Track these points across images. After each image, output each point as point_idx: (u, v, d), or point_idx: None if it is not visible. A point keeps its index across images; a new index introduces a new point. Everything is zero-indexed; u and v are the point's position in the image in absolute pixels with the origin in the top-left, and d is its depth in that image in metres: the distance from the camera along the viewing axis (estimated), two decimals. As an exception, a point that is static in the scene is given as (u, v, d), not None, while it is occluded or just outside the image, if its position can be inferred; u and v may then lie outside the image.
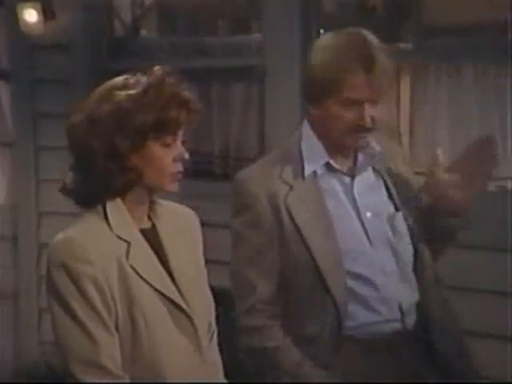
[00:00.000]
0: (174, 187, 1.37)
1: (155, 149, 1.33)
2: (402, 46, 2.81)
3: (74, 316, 1.28)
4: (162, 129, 1.32)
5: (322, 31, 2.81)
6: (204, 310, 1.43)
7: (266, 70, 2.84)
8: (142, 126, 1.31)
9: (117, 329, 1.30)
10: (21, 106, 3.34)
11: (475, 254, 2.42)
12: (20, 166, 3.38)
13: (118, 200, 1.35)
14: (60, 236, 1.32)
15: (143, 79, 1.34)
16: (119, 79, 1.36)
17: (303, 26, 2.75)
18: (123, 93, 1.32)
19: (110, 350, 1.29)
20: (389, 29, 2.91)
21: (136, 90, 1.32)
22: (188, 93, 1.34)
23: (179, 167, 1.36)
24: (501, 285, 2.36)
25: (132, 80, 1.34)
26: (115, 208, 1.35)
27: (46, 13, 3.12)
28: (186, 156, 1.36)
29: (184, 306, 1.36)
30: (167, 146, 1.34)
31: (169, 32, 3.44)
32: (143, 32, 3.47)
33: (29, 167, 3.33)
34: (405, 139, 2.81)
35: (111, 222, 1.34)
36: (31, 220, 3.33)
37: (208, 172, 3.13)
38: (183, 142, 1.37)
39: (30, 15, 3.12)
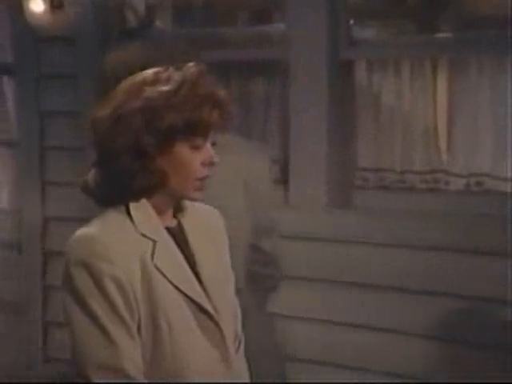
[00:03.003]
0: (198, 195, 1.38)
1: (183, 151, 1.34)
2: (439, 37, 2.82)
3: (93, 317, 1.28)
4: (193, 130, 1.33)
5: (351, 21, 2.84)
6: (231, 317, 1.44)
7: (290, 64, 2.86)
8: (171, 125, 1.32)
9: (138, 332, 1.31)
10: (26, 102, 3.39)
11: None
12: (25, 167, 3.42)
13: (143, 199, 1.36)
14: (79, 232, 1.34)
15: (176, 75, 1.34)
16: (149, 73, 1.37)
17: (331, 15, 2.78)
18: (154, 89, 1.33)
19: (132, 354, 1.29)
20: (424, 19, 2.92)
21: (168, 86, 1.33)
22: (223, 92, 1.35)
23: (207, 172, 1.37)
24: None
25: (164, 75, 1.35)
26: (139, 205, 1.36)
27: (53, 2, 3.17)
28: (216, 160, 1.37)
29: (211, 310, 1.37)
30: (196, 148, 1.35)
31: (185, 23, 3.48)
32: (157, 23, 3.51)
33: (34, 169, 3.37)
34: (442, 141, 2.82)
35: (135, 219, 1.34)
36: (36, 226, 3.37)
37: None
38: (213, 144, 1.38)
39: (36, 4, 3.19)
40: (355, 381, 2.64)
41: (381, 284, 2.63)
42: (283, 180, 2.95)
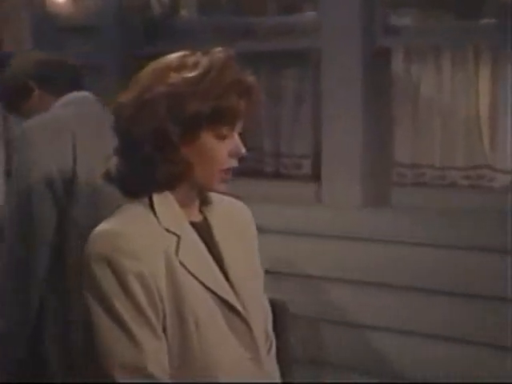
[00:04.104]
0: (222, 187, 1.38)
1: (209, 140, 1.33)
2: (482, 24, 2.75)
3: (116, 317, 1.28)
4: (219, 119, 1.32)
5: (388, 8, 2.79)
6: (260, 316, 1.43)
7: (322, 54, 2.82)
8: (196, 113, 1.31)
9: (164, 331, 1.30)
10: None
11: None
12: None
13: (167, 191, 1.36)
14: (101, 227, 1.33)
15: (203, 61, 1.34)
16: (175, 57, 1.36)
17: (365, 2, 2.72)
18: (180, 74, 1.32)
19: (157, 356, 1.28)
20: (465, 3, 2.85)
21: (194, 72, 1.32)
22: (252, 79, 1.35)
23: (234, 163, 1.36)
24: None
25: (190, 60, 1.34)
26: (163, 198, 1.35)
27: (75, -9, 3.18)
28: (243, 151, 1.36)
29: (240, 308, 1.36)
30: (222, 138, 1.34)
31: (211, 11, 3.46)
32: (183, 11, 3.50)
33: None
34: (486, 134, 2.76)
35: (159, 213, 1.34)
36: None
37: (257, 171, 3.14)
38: (239, 135, 1.37)
39: (57, -7, 3.19)
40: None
41: (418, 286, 2.57)
42: (315, 177, 2.92)
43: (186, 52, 1.37)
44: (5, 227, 2.05)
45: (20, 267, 2.01)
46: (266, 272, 1.54)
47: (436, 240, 2.55)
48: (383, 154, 2.82)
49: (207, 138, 1.33)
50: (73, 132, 2.04)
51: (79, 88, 2.21)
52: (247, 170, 3.01)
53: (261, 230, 1.55)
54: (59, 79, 2.18)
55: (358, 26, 2.73)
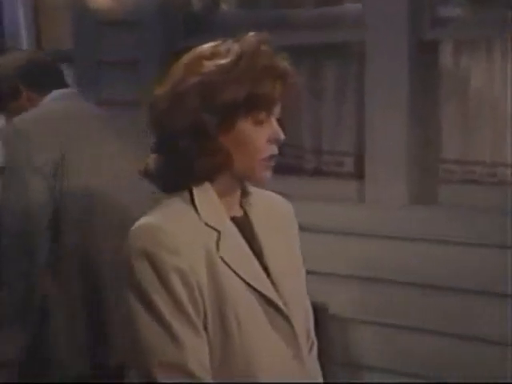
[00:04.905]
0: (265, 176, 1.36)
1: (246, 127, 1.34)
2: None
3: (156, 313, 1.27)
4: (255, 104, 1.33)
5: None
6: (301, 313, 1.43)
7: (366, 47, 2.78)
8: (232, 100, 1.31)
9: (205, 329, 1.30)
10: (85, 91, 3.42)
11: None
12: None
13: (207, 184, 1.36)
14: (142, 222, 1.33)
15: (235, 47, 1.35)
16: (207, 47, 1.38)
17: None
18: (212, 63, 1.32)
19: (198, 354, 1.28)
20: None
21: (226, 59, 1.32)
22: (285, 63, 1.35)
23: (274, 150, 1.36)
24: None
25: (222, 48, 1.35)
26: (203, 192, 1.35)
27: (114, -15, 3.19)
28: (282, 136, 1.35)
29: (282, 306, 1.36)
30: (260, 123, 1.34)
31: (251, 5, 3.44)
32: (223, 6, 3.49)
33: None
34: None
35: (199, 207, 1.34)
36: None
37: (297, 168, 3.10)
38: (278, 121, 1.36)
39: (97, -12, 3.20)
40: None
41: (469, 288, 2.51)
42: (358, 175, 2.87)
43: (218, 41, 1.37)
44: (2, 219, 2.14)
45: (20, 259, 2.09)
46: (307, 272, 1.52)
47: (482, 239, 2.48)
48: (430, 150, 2.76)
49: (245, 125, 1.34)
50: (63, 124, 2.17)
51: (63, 86, 2.36)
52: (288, 167, 2.99)
53: (301, 228, 1.54)
54: (45, 78, 2.32)
55: (403, 17, 2.67)
